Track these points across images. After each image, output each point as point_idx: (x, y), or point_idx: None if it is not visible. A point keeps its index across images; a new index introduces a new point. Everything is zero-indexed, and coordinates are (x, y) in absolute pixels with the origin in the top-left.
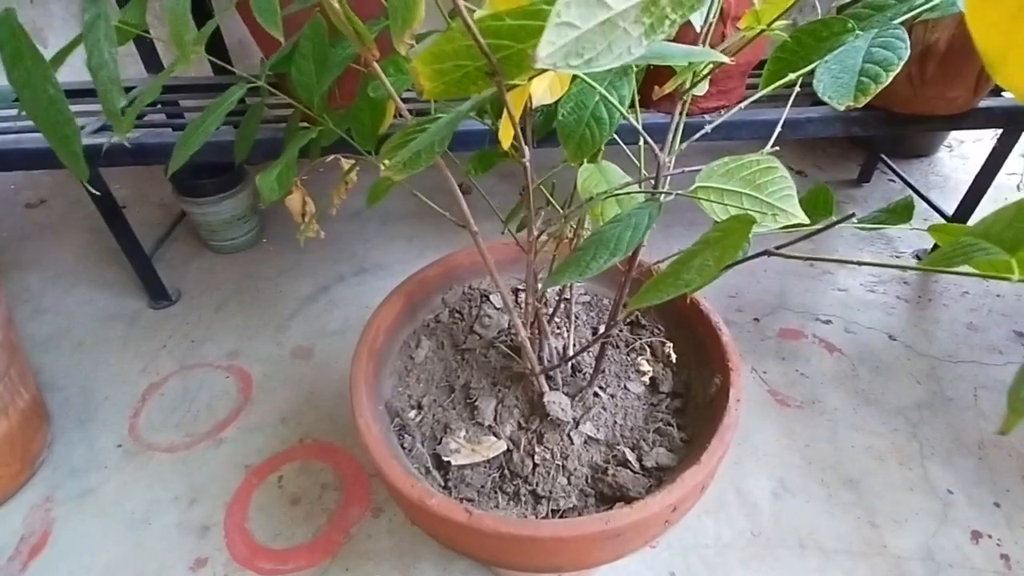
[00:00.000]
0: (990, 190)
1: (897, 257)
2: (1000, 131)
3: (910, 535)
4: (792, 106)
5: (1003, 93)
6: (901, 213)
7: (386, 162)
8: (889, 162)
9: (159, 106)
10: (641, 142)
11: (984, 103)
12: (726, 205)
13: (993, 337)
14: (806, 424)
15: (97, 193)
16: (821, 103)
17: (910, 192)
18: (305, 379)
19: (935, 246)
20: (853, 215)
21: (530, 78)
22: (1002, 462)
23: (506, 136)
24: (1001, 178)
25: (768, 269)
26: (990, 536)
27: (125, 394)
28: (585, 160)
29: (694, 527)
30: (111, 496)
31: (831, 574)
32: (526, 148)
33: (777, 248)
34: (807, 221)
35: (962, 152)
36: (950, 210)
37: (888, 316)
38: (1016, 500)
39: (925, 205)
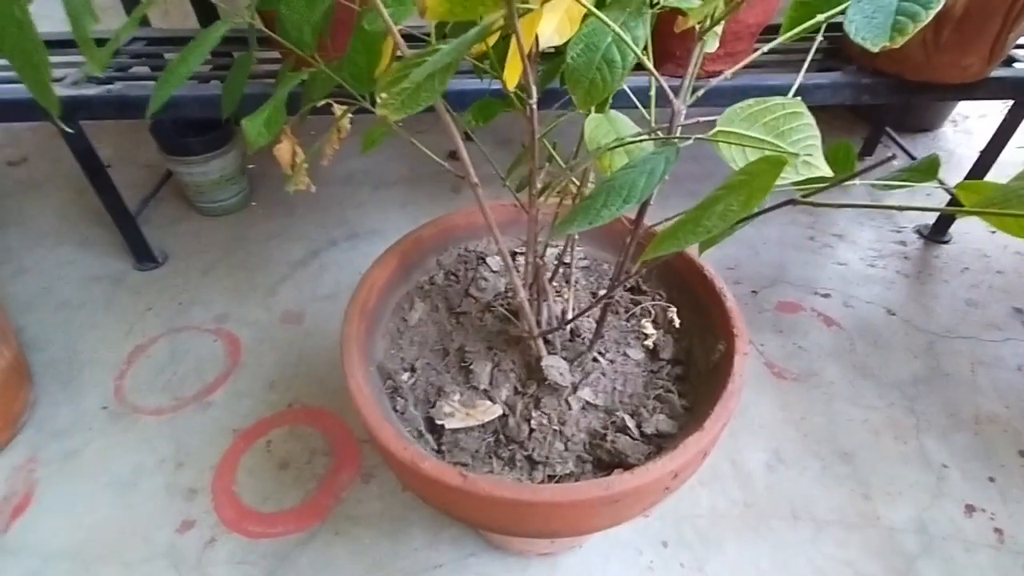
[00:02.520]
0: (995, 166)
1: (898, 232)
2: (1011, 102)
3: (904, 508)
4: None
5: (1016, 63)
6: (926, 171)
7: (383, 95)
8: (894, 135)
9: (143, 59)
10: (652, 83)
11: (997, 73)
12: (746, 148)
13: (992, 314)
14: (802, 397)
15: (70, 131)
16: (831, 69)
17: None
18: (295, 344)
19: (938, 219)
20: (893, 157)
21: (542, 2)
22: (997, 437)
23: (512, 75)
24: (1006, 154)
25: (767, 242)
26: (984, 510)
27: (110, 356)
28: (593, 110)
29: (687, 497)
30: (96, 458)
31: (824, 544)
32: (533, 88)
33: (804, 196)
34: (830, 173)
35: (966, 127)
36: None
37: (887, 291)
38: (1010, 475)
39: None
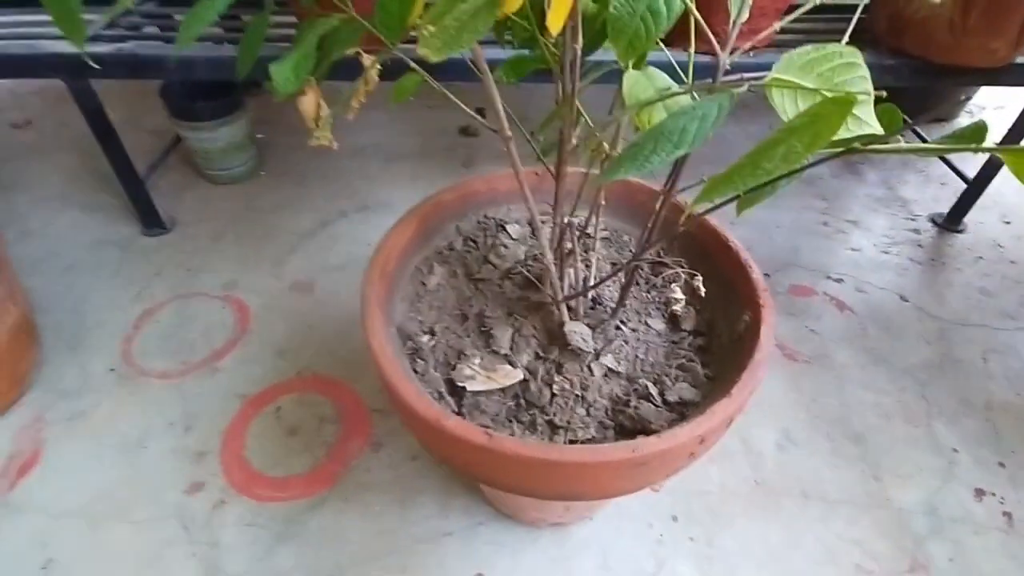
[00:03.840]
0: None
1: (913, 220)
2: None
3: (914, 490)
4: None
5: None
6: (972, 137)
7: (429, 28)
8: (911, 122)
9: (153, 19)
10: (692, 22)
11: None
12: (798, 97)
13: (1005, 302)
14: (814, 379)
15: (97, 67)
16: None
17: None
18: (304, 313)
19: (953, 209)
20: (968, 98)
21: None
22: (1008, 424)
23: (557, 17)
24: None
25: (781, 226)
26: (993, 494)
27: (118, 320)
28: (631, 67)
29: (698, 473)
30: (103, 419)
31: (833, 524)
32: (580, 31)
33: (865, 144)
34: (880, 131)
35: (983, 118)
36: (970, 174)
37: (900, 277)
38: (1021, 461)
39: (945, 169)
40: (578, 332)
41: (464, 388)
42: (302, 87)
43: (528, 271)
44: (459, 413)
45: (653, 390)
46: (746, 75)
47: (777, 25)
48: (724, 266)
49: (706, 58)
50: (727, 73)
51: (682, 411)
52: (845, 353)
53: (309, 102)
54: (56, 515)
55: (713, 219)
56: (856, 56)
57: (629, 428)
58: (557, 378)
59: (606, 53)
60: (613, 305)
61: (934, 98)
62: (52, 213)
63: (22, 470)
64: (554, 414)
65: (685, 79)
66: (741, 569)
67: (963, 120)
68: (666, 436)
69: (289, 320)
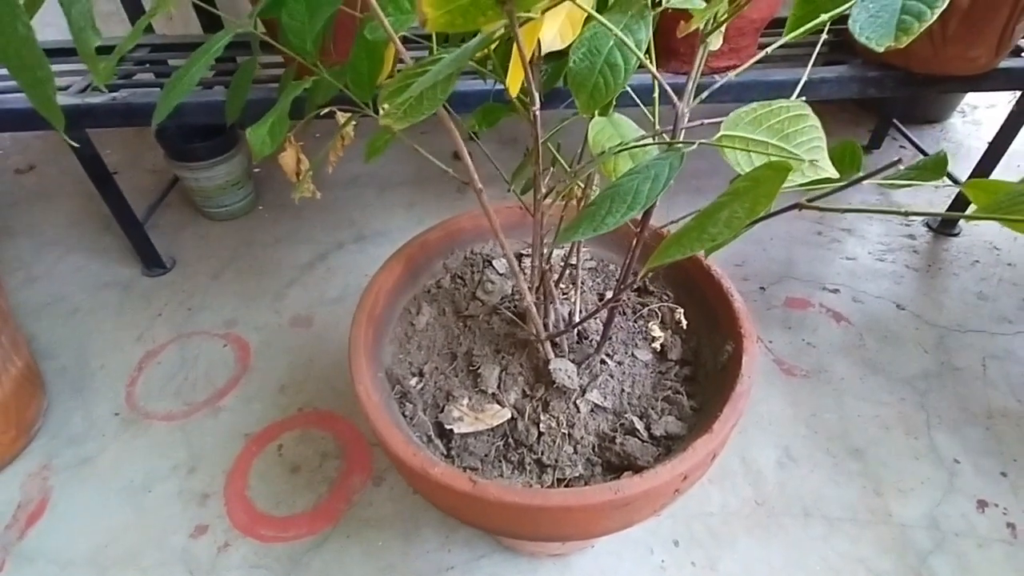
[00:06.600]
0: (1005, 157)
1: (907, 225)
2: (1019, 93)
3: (916, 504)
4: (804, 66)
5: (1023, 54)
6: (933, 169)
7: (385, 106)
8: (901, 127)
9: (147, 65)
10: (656, 86)
11: (1005, 64)
12: (751, 152)
13: (1003, 307)
14: (812, 393)
15: (76, 145)
16: (837, 63)
17: (921, 157)
18: (304, 348)
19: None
20: (898, 161)
21: (543, 11)
22: (1010, 432)
23: (514, 81)
24: (1017, 144)
25: (775, 238)
26: (996, 505)
27: (121, 362)
28: (596, 113)
29: (698, 495)
30: (109, 464)
31: (836, 542)
32: (536, 94)
33: (810, 200)
34: (836, 175)
35: (975, 118)
36: (963, 177)
37: (896, 285)
38: (1023, 470)
39: None
40: (563, 369)
41: (452, 431)
42: (282, 144)
43: (514, 307)
44: (448, 456)
45: (639, 424)
46: (707, 120)
47: (738, 68)
48: (708, 294)
49: (681, 78)
50: (700, 98)
51: (668, 445)
52: (843, 365)
53: (289, 158)
54: (65, 564)
55: None
56: (804, 108)
57: (616, 464)
58: (544, 416)
59: None
60: (599, 338)
61: (925, 100)
62: (55, 257)
63: (31, 519)
64: (542, 453)
65: (652, 118)
66: None
67: (955, 121)
68: (648, 475)
69: (289, 355)
